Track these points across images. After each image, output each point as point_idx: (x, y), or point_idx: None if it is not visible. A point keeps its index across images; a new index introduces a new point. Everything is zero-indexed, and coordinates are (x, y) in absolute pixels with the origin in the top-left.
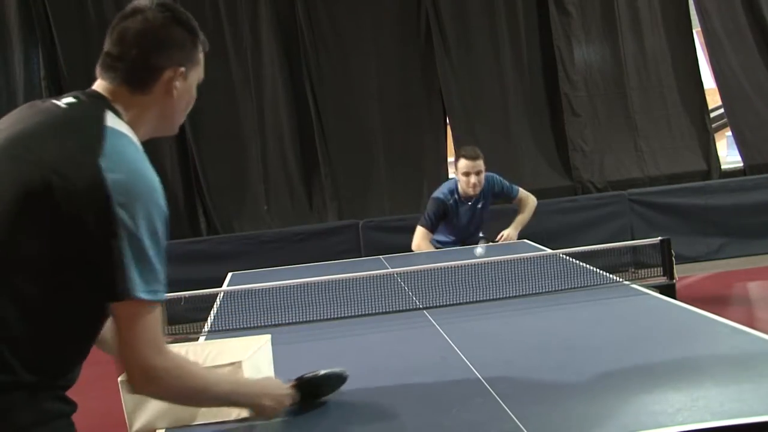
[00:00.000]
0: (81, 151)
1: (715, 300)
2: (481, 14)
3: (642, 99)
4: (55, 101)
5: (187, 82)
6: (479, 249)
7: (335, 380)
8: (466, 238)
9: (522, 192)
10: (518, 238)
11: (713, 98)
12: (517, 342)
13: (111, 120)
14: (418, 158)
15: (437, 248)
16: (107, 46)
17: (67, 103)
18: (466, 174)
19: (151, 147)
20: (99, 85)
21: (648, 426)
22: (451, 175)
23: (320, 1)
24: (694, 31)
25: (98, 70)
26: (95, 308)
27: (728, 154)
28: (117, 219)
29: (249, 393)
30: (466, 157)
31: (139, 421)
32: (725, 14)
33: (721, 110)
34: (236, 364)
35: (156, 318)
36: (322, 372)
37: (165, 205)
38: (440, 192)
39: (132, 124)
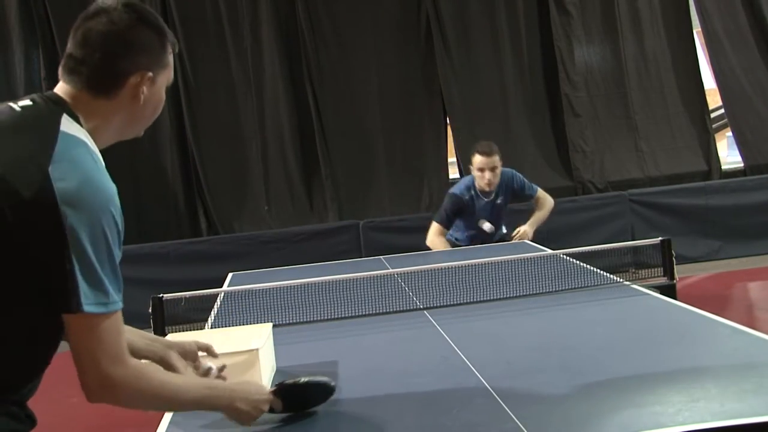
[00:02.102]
0: (30, 157)
1: (715, 300)
2: (482, 14)
3: (642, 99)
4: (11, 104)
5: (155, 87)
6: (486, 224)
7: (320, 389)
8: (486, 235)
9: (540, 191)
10: (532, 239)
11: (713, 98)
12: (518, 342)
13: (66, 125)
14: (418, 158)
15: (455, 245)
16: (70, 47)
17: (23, 106)
18: (481, 170)
19: (151, 147)
20: (60, 89)
21: (649, 426)
22: (452, 175)
23: (321, 1)
24: (694, 32)
25: (60, 73)
26: (46, 321)
27: (729, 154)
28: (65, 230)
29: (224, 397)
30: (481, 153)
31: None
32: (726, 15)
33: (722, 110)
34: (253, 352)
35: (110, 329)
36: (304, 379)
37: (119, 215)
38: (457, 188)
39: (95, 131)
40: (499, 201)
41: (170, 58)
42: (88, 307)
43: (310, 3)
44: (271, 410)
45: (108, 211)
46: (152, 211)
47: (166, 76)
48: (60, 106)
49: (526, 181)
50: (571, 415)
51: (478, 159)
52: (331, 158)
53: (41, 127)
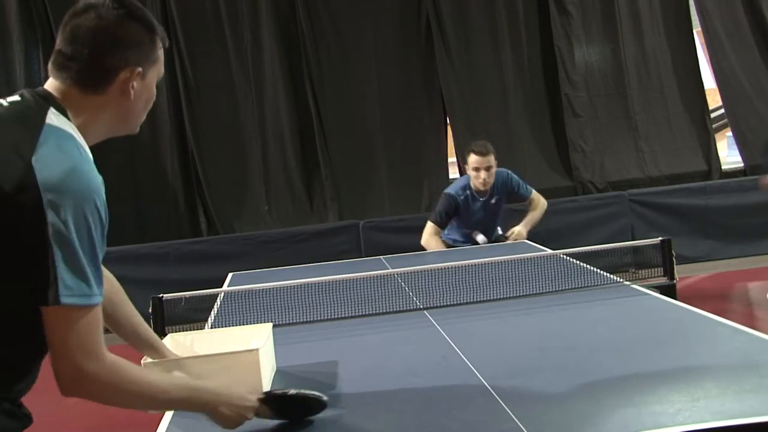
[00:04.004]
0: (13, 148)
1: (715, 300)
2: (482, 14)
3: (642, 99)
4: (0, 100)
5: (145, 82)
6: (480, 236)
7: (311, 402)
8: (487, 234)
9: (534, 193)
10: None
11: (713, 98)
12: (518, 342)
13: (52, 118)
14: (418, 158)
15: (450, 246)
16: (59, 43)
17: (10, 101)
18: (476, 169)
19: (151, 147)
20: (50, 84)
21: (649, 426)
22: (452, 175)
23: (321, 1)
24: (694, 31)
25: (50, 69)
26: (36, 315)
27: (729, 154)
28: (46, 220)
29: (206, 400)
30: (476, 153)
31: None
32: (726, 14)
33: (722, 110)
34: (253, 352)
35: (89, 322)
36: (293, 391)
37: (104, 207)
38: (452, 188)
39: (84, 126)
40: (493, 201)
41: (160, 53)
42: (67, 299)
43: (310, 3)
44: (257, 414)
45: (92, 200)
46: (152, 211)
47: (157, 71)
48: (47, 100)
49: (521, 182)
50: (571, 415)
51: (473, 158)
52: (331, 158)
53: (26, 119)
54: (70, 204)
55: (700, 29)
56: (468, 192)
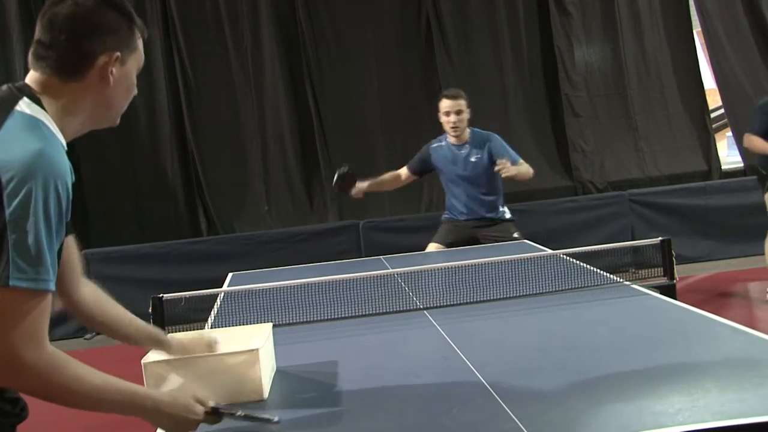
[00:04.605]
0: None
1: (715, 300)
2: (482, 14)
3: (642, 99)
4: None
5: (124, 68)
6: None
7: (259, 423)
8: (479, 204)
9: (522, 161)
10: (521, 237)
11: (713, 98)
12: (518, 342)
13: (23, 106)
14: None
15: (455, 223)
16: (37, 33)
17: None
18: (447, 114)
19: (151, 147)
20: (29, 76)
21: (649, 426)
22: None
23: (321, 1)
24: (694, 32)
25: (30, 60)
26: None
27: (728, 154)
28: (3, 200)
29: (147, 408)
30: (447, 97)
31: None
32: (726, 14)
33: (722, 110)
34: (253, 352)
35: (38, 308)
36: (241, 413)
37: (65, 192)
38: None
39: (63, 113)
40: (473, 158)
41: (139, 43)
42: (17, 282)
43: (310, 3)
44: (205, 421)
45: (53, 184)
46: (152, 211)
47: (136, 60)
48: (22, 91)
49: (508, 147)
50: (571, 415)
51: (444, 102)
52: (331, 158)
53: None
54: (31, 185)
55: (700, 29)
56: (444, 142)
